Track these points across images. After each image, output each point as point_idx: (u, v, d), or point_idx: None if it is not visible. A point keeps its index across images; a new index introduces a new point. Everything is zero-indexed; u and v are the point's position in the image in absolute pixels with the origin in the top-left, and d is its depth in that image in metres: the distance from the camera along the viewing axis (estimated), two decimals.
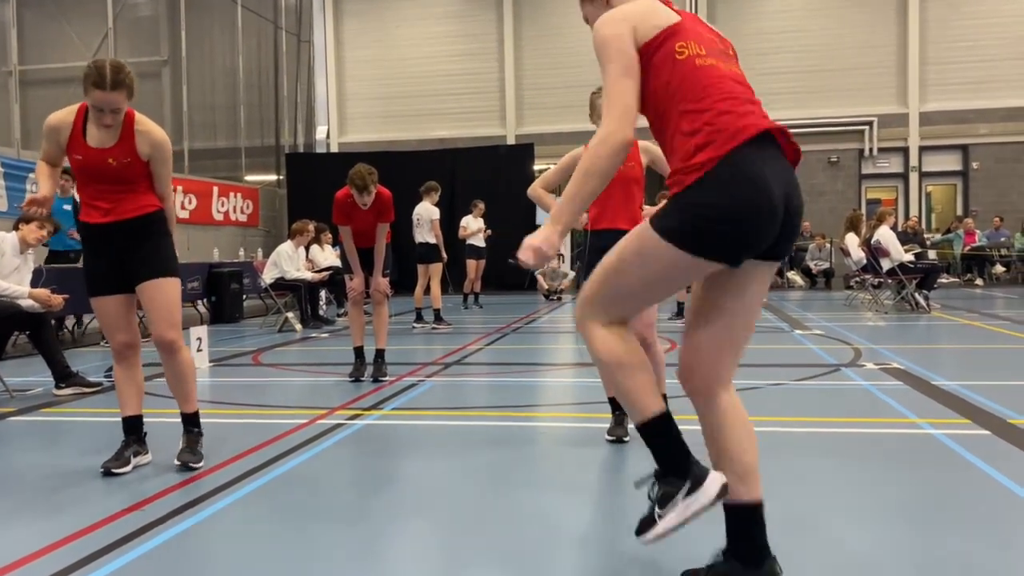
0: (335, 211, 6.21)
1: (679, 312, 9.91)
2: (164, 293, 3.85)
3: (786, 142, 2.26)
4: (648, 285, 2.22)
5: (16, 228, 6.34)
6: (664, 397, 3.68)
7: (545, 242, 2.18)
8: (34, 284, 6.37)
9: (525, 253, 2.19)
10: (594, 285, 2.27)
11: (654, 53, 2.20)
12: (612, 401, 4.33)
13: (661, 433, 2.19)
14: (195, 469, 3.82)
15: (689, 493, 2.12)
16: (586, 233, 4.43)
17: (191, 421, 4.03)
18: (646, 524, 2.19)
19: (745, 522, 2.28)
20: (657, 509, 2.17)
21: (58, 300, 6.08)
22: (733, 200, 2.08)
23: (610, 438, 4.24)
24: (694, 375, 2.32)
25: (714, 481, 2.13)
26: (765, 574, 2.26)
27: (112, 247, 3.82)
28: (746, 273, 2.24)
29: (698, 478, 2.13)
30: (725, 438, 2.29)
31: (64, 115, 3.75)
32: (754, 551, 2.28)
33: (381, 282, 6.43)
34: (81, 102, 3.74)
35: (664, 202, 2.23)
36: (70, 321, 10.08)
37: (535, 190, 4.37)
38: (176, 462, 3.88)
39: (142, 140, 3.74)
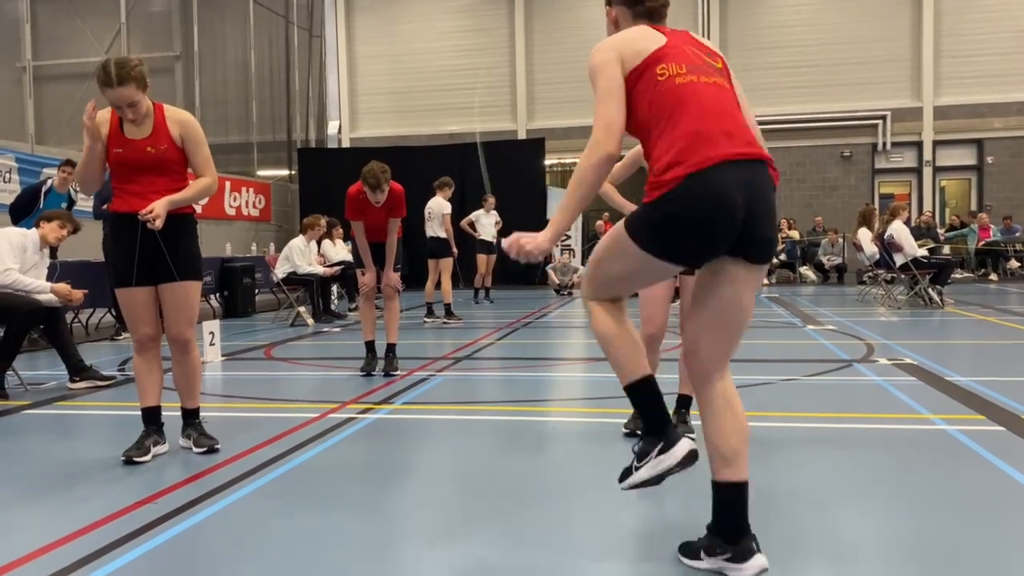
0: (347, 207, 6.22)
1: None
2: (187, 295, 4.01)
3: (767, 163, 2.43)
4: (625, 275, 2.50)
5: (38, 226, 6.39)
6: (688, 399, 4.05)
7: (535, 246, 2.44)
8: (49, 278, 6.42)
9: (510, 245, 2.46)
10: (588, 269, 2.60)
11: (638, 79, 2.43)
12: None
13: (643, 394, 2.47)
14: (218, 450, 4.01)
15: (660, 452, 2.41)
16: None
17: (194, 415, 4.18)
18: (625, 473, 2.51)
19: (727, 500, 2.45)
20: (635, 462, 2.47)
21: (78, 295, 6.13)
22: (691, 215, 2.30)
23: (626, 431, 4.24)
24: (694, 357, 2.54)
25: (683, 446, 2.40)
26: (741, 551, 2.40)
27: (142, 240, 3.86)
28: (728, 272, 2.45)
29: (670, 441, 2.41)
30: (714, 421, 2.48)
31: (104, 113, 3.91)
32: (734, 528, 2.43)
33: (392, 277, 6.43)
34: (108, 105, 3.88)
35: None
36: (84, 314, 10.15)
37: (604, 187, 4.49)
38: (196, 449, 4.01)
39: (173, 125, 3.91)
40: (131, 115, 3.79)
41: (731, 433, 2.44)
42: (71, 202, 9.22)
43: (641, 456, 2.46)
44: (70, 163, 8.97)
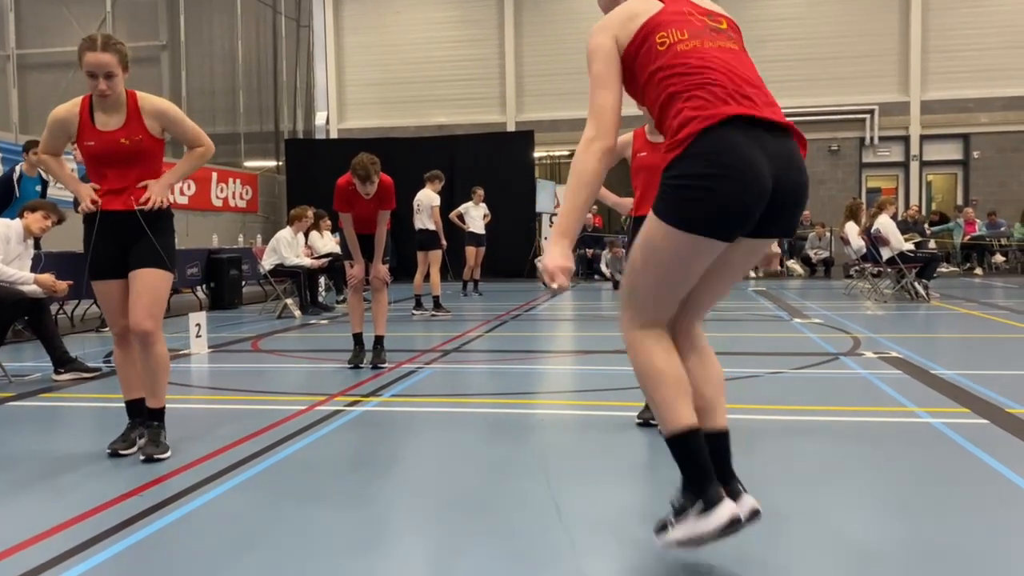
0: (336, 198, 6.20)
1: None
2: (153, 283, 3.80)
3: (790, 128, 2.27)
4: (664, 274, 2.28)
5: (21, 216, 6.33)
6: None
7: (563, 259, 2.23)
8: (33, 270, 6.36)
9: (552, 278, 2.21)
10: (625, 286, 2.39)
11: (637, 52, 2.31)
12: None
13: (685, 448, 2.25)
14: (161, 460, 3.74)
15: (700, 514, 2.19)
16: (630, 219, 4.56)
17: (155, 415, 3.90)
18: (661, 527, 2.29)
19: (709, 448, 2.33)
20: (671, 516, 2.26)
21: (63, 286, 6.08)
22: (710, 167, 2.12)
23: (639, 421, 4.24)
24: (680, 317, 2.45)
25: (724, 512, 2.16)
26: (728, 493, 2.32)
27: (118, 234, 3.82)
28: (736, 244, 2.28)
29: (711, 503, 2.18)
30: (691, 370, 2.39)
31: (69, 106, 3.80)
32: (720, 474, 2.34)
33: (381, 269, 6.42)
34: (83, 94, 3.78)
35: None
36: (69, 306, 10.08)
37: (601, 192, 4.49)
38: (141, 457, 3.75)
39: (147, 115, 3.79)
40: (105, 88, 3.63)
41: (705, 384, 2.39)
42: (44, 183, 9.12)
43: (678, 512, 2.24)
44: (35, 143, 8.92)
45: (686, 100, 2.20)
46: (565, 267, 2.23)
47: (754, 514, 2.31)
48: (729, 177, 2.12)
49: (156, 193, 3.74)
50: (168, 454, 3.81)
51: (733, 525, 2.16)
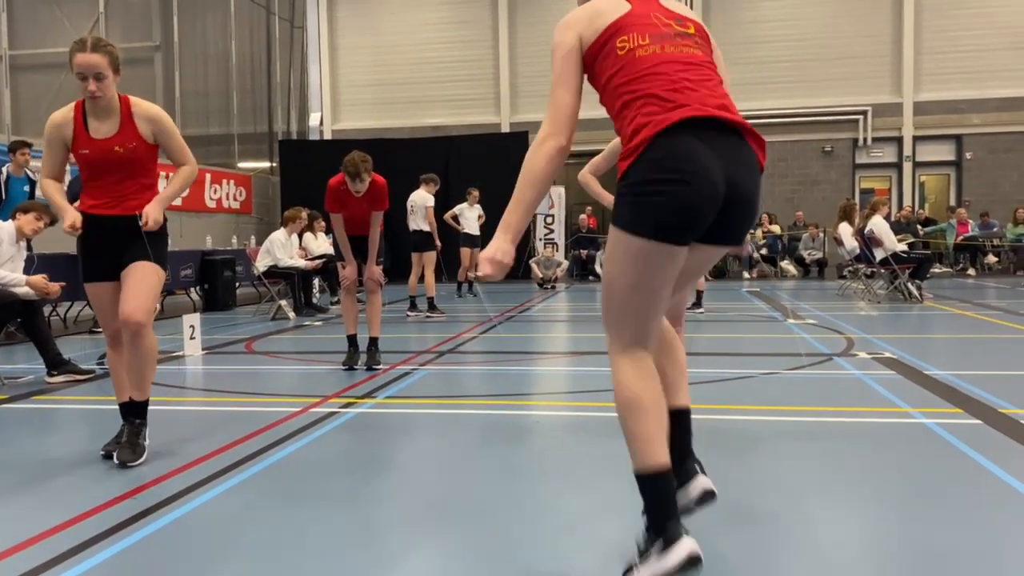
0: (328, 198, 6.18)
1: (698, 302, 9.89)
2: (145, 276, 3.79)
3: (744, 130, 2.25)
4: (632, 285, 2.22)
5: (14, 217, 6.31)
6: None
7: (500, 252, 2.26)
8: (26, 271, 6.34)
9: (485, 268, 2.27)
10: (602, 306, 2.33)
11: (599, 53, 2.30)
12: None
13: (655, 488, 2.18)
14: (132, 467, 3.67)
15: (661, 552, 2.12)
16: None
17: (138, 411, 3.85)
18: (627, 569, 2.21)
19: (670, 426, 2.30)
20: (637, 559, 2.19)
21: (55, 288, 6.06)
22: (663, 171, 2.12)
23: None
24: None
25: (681, 549, 2.09)
26: (685, 471, 2.40)
27: (112, 238, 3.82)
28: (691, 249, 2.26)
29: (670, 540, 2.11)
30: (655, 352, 2.38)
31: (64, 112, 3.78)
32: (678, 452, 2.39)
33: (375, 270, 6.40)
34: (76, 99, 3.76)
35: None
36: (62, 308, 10.04)
37: (584, 176, 4.46)
38: (115, 462, 3.70)
39: (140, 120, 3.77)
40: (95, 89, 3.60)
41: (667, 367, 2.47)
42: (32, 183, 9.08)
43: (642, 554, 2.18)
44: (23, 143, 8.90)
45: (640, 107, 2.20)
46: (494, 259, 2.26)
47: (707, 495, 2.38)
48: (681, 181, 2.11)
49: (155, 213, 3.70)
50: (144, 458, 3.76)
51: (692, 562, 2.08)
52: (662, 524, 2.14)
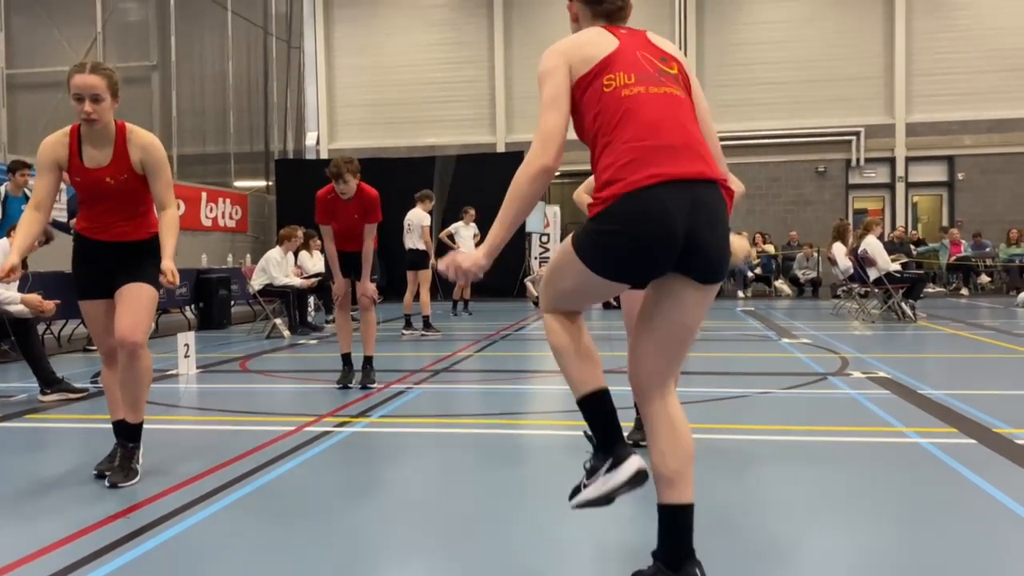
0: (317, 209, 6.13)
1: None
2: (139, 296, 3.77)
3: (719, 184, 2.32)
4: (575, 289, 2.40)
5: (9, 236, 6.30)
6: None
7: (473, 264, 2.36)
8: (21, 289, 6.33)
9: (448, 265, 2.38)
10: (544, 280, 2.50)
11: (587, 88, 2.36)
12: (636, 406, 4.31)
13: (594, 408, 2.37)
14: (122, 488, 3.64)
15: (609, 470, 2.29)
16: None
17: (131, 434, 3.83)
18: (575, 491, 2.39)
19: (669, 523, 2.33)
20: (584, 479, 2.37)
21: (50, 306, 6.04)
22: (624, 228, 2.23)
23: (629, 442, 4.21)
24: (636, 372, 2.45)
25: (631, 464, 2.27)
26: (620, 452, 2.33)
27: (103, 258, 3.83)
28: (675, 292, 2.35)
29: (619, 458, 2.29)
30: (655, 441, 2.38)
31: (58, 135, 3.75)
32: (675, 553, 2.31)
33: (368, 287, 6.30)
34: (73, 122, 3.73)
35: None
36: (56, 326, 10.01)
37: (579, 196, 4.53)
38: (106, 484, 3.68)
39: (133, 148, 3.73)
40: (90, 111, 3.57)
41: (670, 454, 2.32)
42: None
43: (590, 473, 2.35)
44: (23, 164, 8.90)
45: (615, 156, 2.27)
46: (465, 270, 2.35)
47: None
48: (638, 239, 2.22)
49: (171, 269, 3.64)
50: (136, 480, 3.74)
51: (639, 476, 2.25)
52: (611, 444, 2.32)
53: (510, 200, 2.32)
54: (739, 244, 2.65)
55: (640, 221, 2.21)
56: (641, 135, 2.26)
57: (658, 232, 2.21)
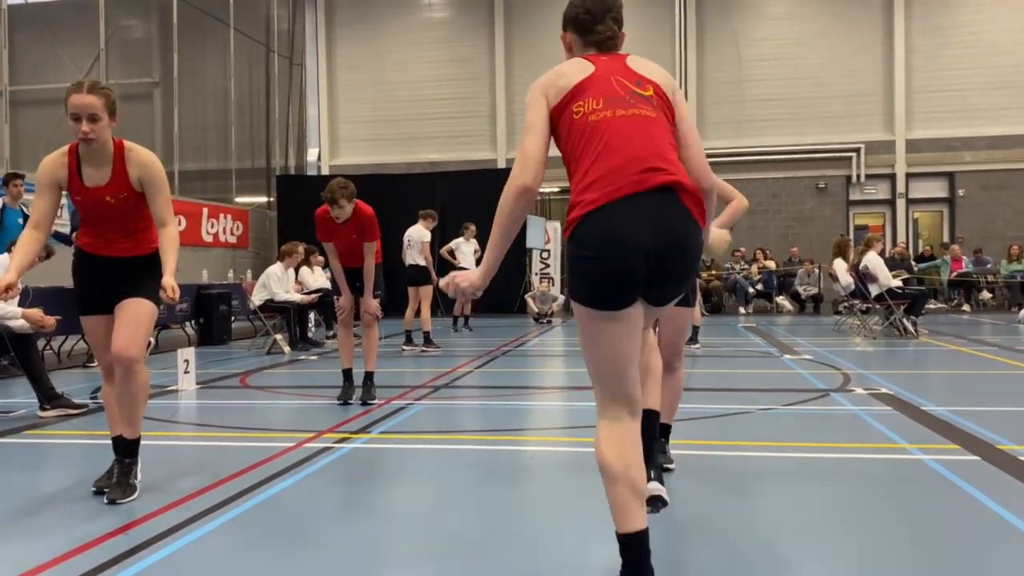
0: (317, 228, 6.17)
1: (694, 336, 9.88)
2: (138, 312, 3.76)
3: (677, 187, 2.34)
4: (593, 344, 2.40)
5: (8, 251, 6.31)
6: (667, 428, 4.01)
7: (470, 285, 2.47)
8: (21, 304, 6.33)
9: (447, 284, 2.50)
10: (589, 373, 2.48)
11: (560, 116, 2.46)
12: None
13: (633, 548, 2.32)
14: (120, 504, 3.63)
15: None
16: None
17: (128, 450, 3.81)
18: None
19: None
20: None
21: (51, 321, 6.03)
22: (586, 249, 2.30)
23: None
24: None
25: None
26: None
27: (104, 273, 3.83)
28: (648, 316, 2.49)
29: None
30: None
31: (57, 155, 3.75)
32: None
33: (371, 303, 6.35)
34: (72, 140, 3.73)
35: None
36: (56, 341, 10.00)
37: None
38: (105, 501, 3.66)
39: (132, 166, 3.72)
40: (88, 130, 3.56)
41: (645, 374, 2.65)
42: (26, 217, 9.09)
43: None
44: (16, 175, 8.92)
45: (578, 179, 2.36)
46: (463, 289, 2.47)
47: (656, 500, 2.60)
48: (602, 258, 2.28)
49: (172, 285, 3.64)
50: (135, 496, 3.72)
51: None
52: None
53: (497, 219, 2.43)
54: (718, 236, 2.73)
55: (597, 241, 2.28)
56: (603, 156, 2.35)
57: (615, 251, 2.27)
